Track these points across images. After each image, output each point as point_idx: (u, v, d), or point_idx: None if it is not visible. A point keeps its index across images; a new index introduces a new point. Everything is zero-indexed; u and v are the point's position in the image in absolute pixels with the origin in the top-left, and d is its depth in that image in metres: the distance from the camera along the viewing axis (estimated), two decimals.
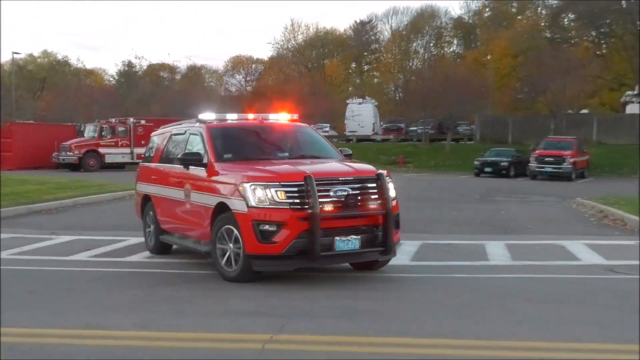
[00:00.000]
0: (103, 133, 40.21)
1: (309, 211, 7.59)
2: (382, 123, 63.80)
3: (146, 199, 11.05)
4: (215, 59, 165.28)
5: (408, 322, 6.40)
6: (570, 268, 9.38)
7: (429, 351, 5.40)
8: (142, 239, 11.66)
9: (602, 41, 63.25)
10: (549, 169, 33.17)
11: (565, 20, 64.51)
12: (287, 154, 9.51)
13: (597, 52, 61.27)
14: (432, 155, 47.62)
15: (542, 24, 66.90)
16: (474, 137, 54.76)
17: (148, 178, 11.06)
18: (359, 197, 8.09)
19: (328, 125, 60.41)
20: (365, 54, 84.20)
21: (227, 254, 8.16)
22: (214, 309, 7.01)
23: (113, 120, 42.56)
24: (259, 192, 7.78)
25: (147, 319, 6.49)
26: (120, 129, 40.96)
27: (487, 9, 75.46)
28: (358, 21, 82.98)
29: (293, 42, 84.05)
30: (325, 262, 8.25)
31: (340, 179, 8.26)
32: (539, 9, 69.35)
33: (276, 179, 7.96)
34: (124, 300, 7.51)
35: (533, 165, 34.06)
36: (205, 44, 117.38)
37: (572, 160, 32.87)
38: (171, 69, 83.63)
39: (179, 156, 9.46)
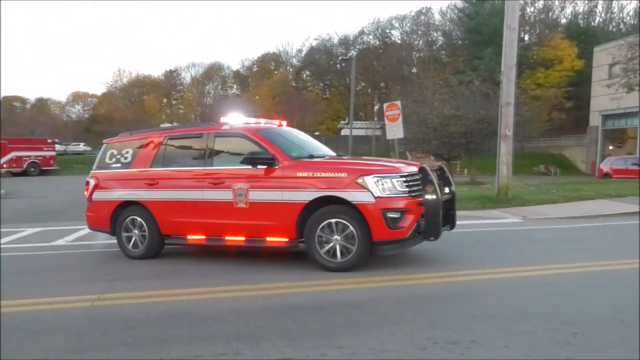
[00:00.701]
0: None
1: (432, 196, 6.12)
2: None
3: (123, 206, 7.52)
4: (59, 92, 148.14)
5: (200, 277, 6.24)
6: None
7: (218, 295, 5.34)
8: None
9: (327, 89, 67.20)
10: None
11: (304, 75, 67.59)
12: (320, 152, 7.41)
13: (324, 96, 65.02)
14: None
15: (290, 77, 69.34)
16: None
17: (133, 184, 7.49)
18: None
19: None
20: (173, 92, 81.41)
21: (331, 245, 6.09)
22: (56, 280, 6.28)
23: None
24: (384, 184, 5.96)
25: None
26: None
27: (255, 66, 76.56)
28: (168, 70, 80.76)
29: (120, 82, 79.03)
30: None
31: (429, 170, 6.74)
32: (288, 67, 71.86)
33: (395, 171, 6.15)
34: None
35: None
36: (50, 80, 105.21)
37: None
38: (22, 100, 74.59)
39: (246, 156, 6.47)
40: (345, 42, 63.60)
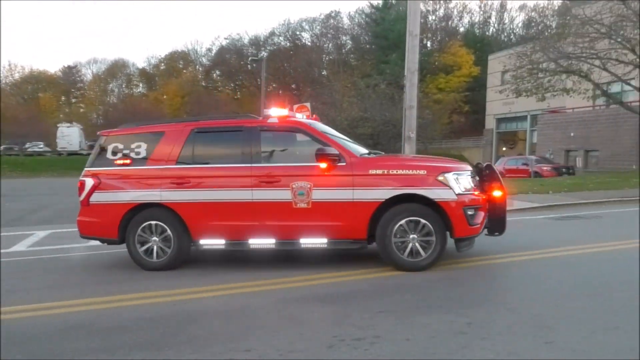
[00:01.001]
0: None
1: (499, 193, 6.26)
2: (87, 141, 59.26)
3: (136, 209, 6.40)
4: None
5: (100, 284, 5.89)
6: None
7: (121, 304, 5.08)
8: None
9: (238, 90, 66.46)
10: None
11: (214, 75, 66.40)
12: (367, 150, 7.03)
13: (235, 97, 64.17)
14: None
15: (200, 76, 67.82)
16: None
17: (153, 183, 6.39)
18: None
19: (42, 142, 53.91)
20: (72, 90, 76.51)
21: (406, 244, 5.87)
22: None
23: None
24: (461, 181, 5.89)
25: None
26: None
27: (163, 64, 74.01)
28: (66, 66, 75.85)
29: (11, 78, 72.92)
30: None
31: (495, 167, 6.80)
32: (197, 66, 70.25)
33: (465, 169, 6.15)
34: None
35: None
36: None
37: None
38: None
39: (317, 152, 5.90)
40: (256, 43, 63.36)
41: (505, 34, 59.47)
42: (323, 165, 5.94)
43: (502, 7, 59.43)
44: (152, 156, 6.53)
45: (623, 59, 21.40)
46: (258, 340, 3.93)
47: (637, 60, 21.17)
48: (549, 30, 26.41)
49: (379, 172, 5.94)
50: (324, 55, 61.56)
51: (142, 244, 6.43)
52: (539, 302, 4.73)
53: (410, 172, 5.92)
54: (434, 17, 56.31)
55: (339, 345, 3.79)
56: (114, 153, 6.69)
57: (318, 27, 63.23)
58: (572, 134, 32.83)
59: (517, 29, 58.52)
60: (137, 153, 6.60)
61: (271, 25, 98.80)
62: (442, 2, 56.07)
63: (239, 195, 6.17)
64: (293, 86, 60.03)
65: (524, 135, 44.29)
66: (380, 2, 55.08)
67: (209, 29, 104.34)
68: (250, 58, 51.70)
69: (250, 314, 4.62)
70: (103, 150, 6.78)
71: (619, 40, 21.22)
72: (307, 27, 63.71)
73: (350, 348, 3.74)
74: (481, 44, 53.73)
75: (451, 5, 58.00)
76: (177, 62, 72.71)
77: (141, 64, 79.74)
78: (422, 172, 5.90)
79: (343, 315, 4.48)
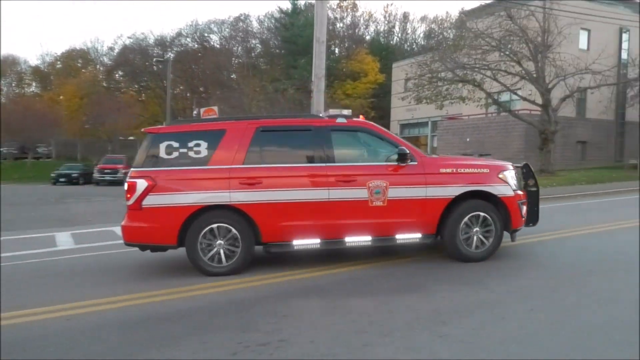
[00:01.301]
0: None
1: (534, 188, 7.17)
2: None
3: (200, 212, 5.96)
4: None
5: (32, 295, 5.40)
6: (114, 246, 8.59)
7: (5, 322, 4.68)
8: None
9: (142, 91, 63.63)
10: (108, 178, 32.23)
11: (117, 75, 63.18)
12: None
13: (140, 99, 61.31)
14: (16, 170, 41.56)
15: (101, 76, 64.10)
16: (52, 155, 50.01)
17: (219, 184, 5.98)
18: None
19: None
20: None
21: (473, 237, 6.38)
22: None
23: None
24: (514, 178, 6.62)
25: None
26: None
27: (59, 62, 69.06)
28: None
29: None
30: None
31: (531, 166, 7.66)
32: (98, 65, 66.40)
33: (511, 167, 6.77)
34: None
35: (96, 175, 32.88)
36: None
37: (123, 171, 32.38)
38: None
39: (398, 152, 6.18)
40: (161, 43, 61.00)
41: (408, 44, 62.24)
42: (403, 164, 6.27)
43: (405, 17, 62.24)
44: (214, 155, 6.15)
45: (511, 70, 23.21)
46: (158, 353, 3.80)
47: (523, 72, 23.09)
48: (447, 42, 28.02)
49: (449, 170, 6.41)
50: (233, 59, 60.65)
51: (204, 248, 6.06)
52: (436, 297, 5.00)
53: (477, 170, 6.50)
54: (341, 25, 57.67)
55: (243, 352, 3.76)
56: (168, 152, 6.16)
57: (227, 30, 62.23)
58: (468, 139, 35.08)
59: (419, 39, 61.57)
60: (197, 152, 6.16)
61: (178, 26, 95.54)
62: (349, 10, 57.65)
63: (316, 195, 6.15)
64: (201, 89, 58.53)
65: (425, 140, 46.59)
66: (290, 7, 55.50)
67: (110, 26, 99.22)
68: (155, 59, 49.96)
69: (151, 326, 4.44)
70: (156, 148, 6.18)
71: (507, 53, 23.02)
72: (215, 29, 62.44)
73: (255, 354, 3.73)
74: (386, 52, 55.78)
75: (358, 13, 59.76)
76: (75, 60, 68.05)
77: (34, 61, 74.00)
78: (485, 170, 6.51)
79: (248, 321, 4.46)
